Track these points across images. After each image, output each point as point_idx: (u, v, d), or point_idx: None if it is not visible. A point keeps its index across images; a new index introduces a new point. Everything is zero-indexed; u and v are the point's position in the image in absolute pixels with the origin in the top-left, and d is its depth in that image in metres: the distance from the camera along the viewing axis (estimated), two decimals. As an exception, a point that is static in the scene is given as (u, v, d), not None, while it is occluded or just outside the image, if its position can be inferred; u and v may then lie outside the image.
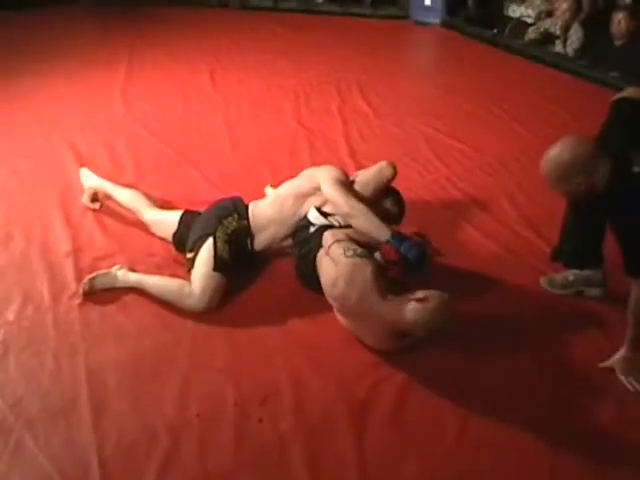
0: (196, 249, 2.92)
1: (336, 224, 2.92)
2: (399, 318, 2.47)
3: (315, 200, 3.01)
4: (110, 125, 4.50)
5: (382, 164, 3.10)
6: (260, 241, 3.05)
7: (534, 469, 2.24)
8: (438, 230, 3.38)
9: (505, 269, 3.13)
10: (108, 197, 3.48)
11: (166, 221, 3.19)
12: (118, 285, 2.95)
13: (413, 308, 2.44)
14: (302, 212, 3.01)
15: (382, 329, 2.56)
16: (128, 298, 2.93)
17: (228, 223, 2.98)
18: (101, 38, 6.06)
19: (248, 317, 2.83)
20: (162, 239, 3.22)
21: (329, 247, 2.70)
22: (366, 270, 2.57)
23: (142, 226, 3.31)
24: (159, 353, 2.68)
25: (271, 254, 3.04)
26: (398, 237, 2.72)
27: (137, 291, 2.93)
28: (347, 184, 3.00)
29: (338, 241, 2.70)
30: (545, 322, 2.85)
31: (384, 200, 3.07)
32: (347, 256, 2.61)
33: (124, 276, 2.96)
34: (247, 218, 3.02)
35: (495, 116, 4.64)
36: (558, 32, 5.65)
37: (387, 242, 2.72)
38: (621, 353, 2.54)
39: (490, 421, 2.40)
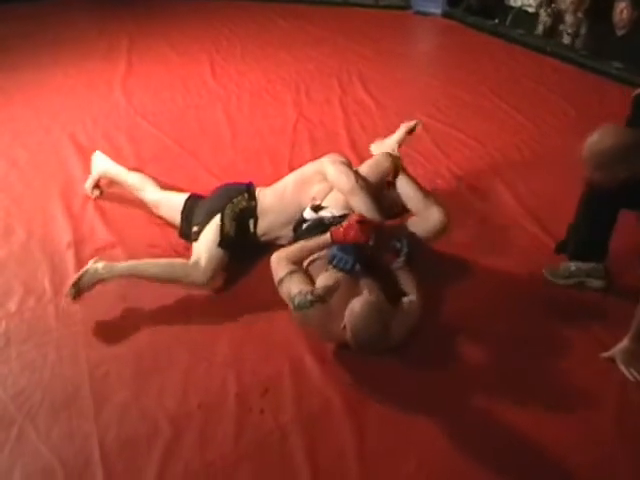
0: (202, 223, 2.95)
1: (328, 215, 2.89)
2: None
3: (317, 188, 3.01)
4: (110, 116, 4.50)
5: (378, 157, 3.12)
6: (261, 226, 3.06)
7: (534, 463, 2.24)
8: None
9: (505, 259, 3.12)
10: (114, 183, 3.48)
11: (173, 203, 3.20)
12: (105, 277, 2.79)
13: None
14: (303, 201, 3.00)
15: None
16: (129, 290, 2.92)
17: (237, 202, 3.02)
18: (100, 30, 6.04)
19: (249, 309, 2.83)
20: (165, 224, 3.23)
21: (278, 284, 2.62)
22: (310, 317, 2.51)
23: (143, 217, 3.31)
24: (160, 345, 2.68)
25: (273, 246, 3.03)
26: (344, 247, 2.61)
27: (137, 282, 2.92)
28: (351, 167, 3.03)
29: (280, 281, 2.59)
30: (546, 312, 2.84)
31: (388, 191, 3.06)
32: (292, 308, 2.54)
33: (107, 268, 2.79)
34: (255, 199, 3.06)
35: (496, 106, 4.63)
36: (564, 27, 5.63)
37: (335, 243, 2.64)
38: (623, 344, 2.54)
39: (489, 414, 2.40)
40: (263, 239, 3.09)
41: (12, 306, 2.86)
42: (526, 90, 4.88)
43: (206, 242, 2.91)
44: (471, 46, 5.82)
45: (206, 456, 2.24)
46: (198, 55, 5.49)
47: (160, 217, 3.30)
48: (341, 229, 2.66)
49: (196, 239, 2.95)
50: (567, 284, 2.94)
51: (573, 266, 2.94)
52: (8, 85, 4.91)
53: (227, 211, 2.98)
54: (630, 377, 2.49)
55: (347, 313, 2.39)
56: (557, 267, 2.98)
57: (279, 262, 2.64)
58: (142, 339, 2.70)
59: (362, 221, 2.66)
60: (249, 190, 3.08)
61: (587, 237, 2.88)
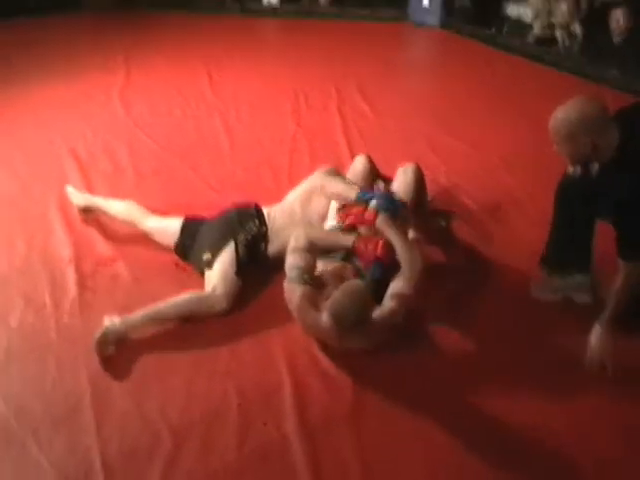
0: (214, 251, 2.92)
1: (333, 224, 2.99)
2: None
3: (318, 200, 3.11)
4: (109, 129, 4.50)
5: (355, 160, 3.35)
6: (274, 246, 3.06)
7: (530, 455, 2.26)
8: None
9: (501, 268, 3.13)
10: (103, 212, 3.42)
11: (167, 229, 3.16)
12: (126, 331, 2.72)
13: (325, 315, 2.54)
14: (311, 218, 3.08)
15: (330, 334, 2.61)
16: (129, 302, 2.91)
17: (249, 228, 3.01)
18: (98, 44, 6.03)
19: (251, 321, 2.83)
20: (164, 247, 3.20)
21: (289, 252, 2.79)
22: (295, 295, 2.64)
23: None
24: (162, 357, 2.68)
25: (278, 261, 3.04)
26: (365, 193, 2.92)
27: (137, 296, 2.91)
28: (339, 175, 3.18)
29: (293, 250, 2.77)
30: (538, 323, 2.84)
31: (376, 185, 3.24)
32: (286, 279, 2.71)
33: (124, 323, 2.71)
34: (265, 224, 3.06)
35: (494, 115, 4.64)
36: (558, 33, 5.65)
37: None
38: (597, 330, 2.49)
39: (488, 413, 2.42)
40: (273, 256, 3.07)
41: (13, 320, 2.85)
42: (524, 98, 4.89)
43: (223, 270, 2.87)
44: (468, 55, 5.84)
45: (208, 466, 2.24)
46: (196, 67, 5.49)
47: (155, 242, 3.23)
48: (368, 245, 2.78)
49: (209, 266, 2.91)
50: (554, 299, 2.88)
51: (557, 281, 2.88)
52: (9, 97, 4.90)
53: (240, 237, 2.96)
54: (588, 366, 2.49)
55: (331, 302, 2.51)
56: (543, 282, 2.92)
57: (302, 238, 2.79)
58: (143, 350, 2.70)
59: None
60: (258, 216, 3.07)
61: (562, 252, 2.83)
